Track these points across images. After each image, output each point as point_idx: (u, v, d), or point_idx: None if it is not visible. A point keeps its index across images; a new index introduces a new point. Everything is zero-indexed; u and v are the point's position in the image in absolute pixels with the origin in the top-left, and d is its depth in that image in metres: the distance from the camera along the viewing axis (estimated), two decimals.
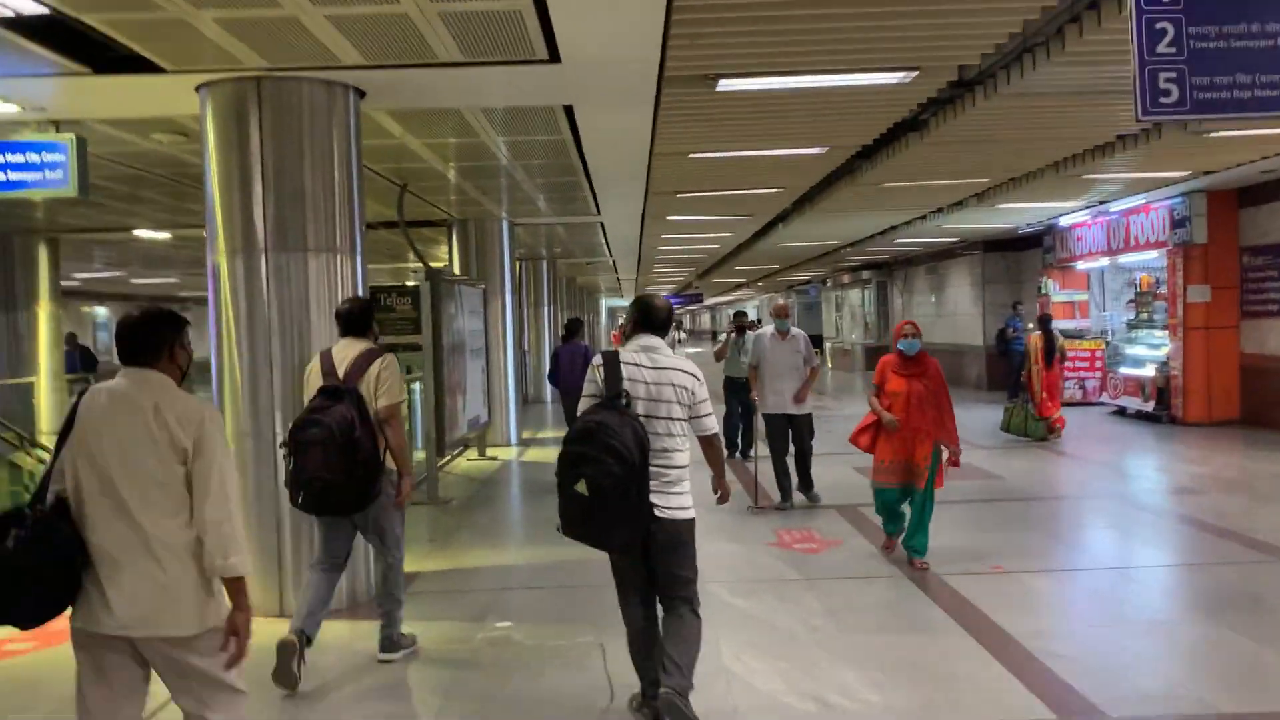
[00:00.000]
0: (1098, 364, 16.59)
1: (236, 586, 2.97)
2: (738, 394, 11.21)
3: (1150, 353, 15.22)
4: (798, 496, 8.85)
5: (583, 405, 4.08)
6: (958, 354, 22.17)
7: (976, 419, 15.32)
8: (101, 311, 30.68)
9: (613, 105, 6.96)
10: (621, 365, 4.05)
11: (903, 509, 6.81)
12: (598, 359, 4.15)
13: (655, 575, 4.10)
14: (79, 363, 17.57)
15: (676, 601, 4.11)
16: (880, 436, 6.75)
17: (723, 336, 11.83)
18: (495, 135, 8.20)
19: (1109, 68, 6.62)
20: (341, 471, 4.56)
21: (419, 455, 5.13)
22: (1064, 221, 16.80)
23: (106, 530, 2.90)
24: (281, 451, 4.80)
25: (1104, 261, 16.57)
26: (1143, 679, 4.74)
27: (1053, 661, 4.89)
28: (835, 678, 4.76)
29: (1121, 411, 15.54)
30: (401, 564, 5.31)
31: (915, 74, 6.57)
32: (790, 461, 8.86)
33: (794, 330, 8.90)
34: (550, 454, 13.17)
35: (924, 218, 16.21)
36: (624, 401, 3.95)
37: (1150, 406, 14.62)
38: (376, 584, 5.33)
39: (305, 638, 4.80)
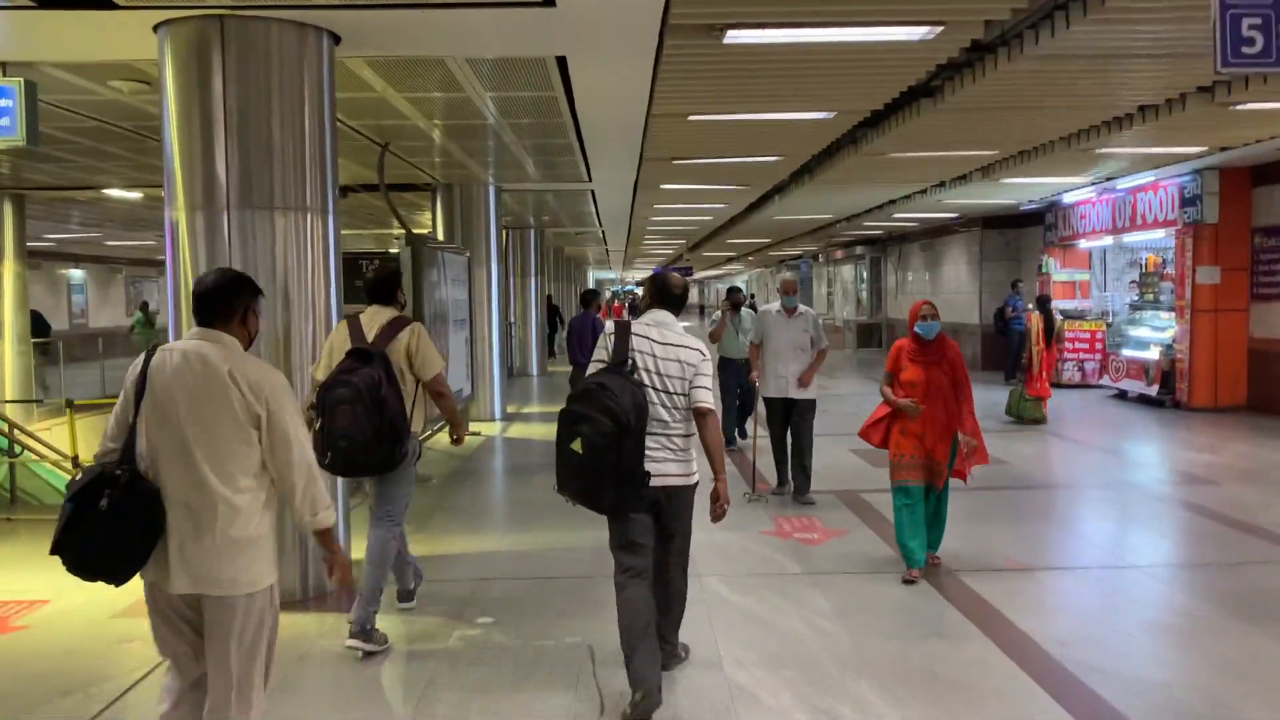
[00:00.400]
0: (1098, 345, 16.19)
1: (326, 534, 3.15)
2: (736, 376, 10.48)
3: (1155, 335, 14.82)
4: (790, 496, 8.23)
5: (591, 369, 4.19)
6: (953, 333, 21.68)
7: (977, 401, 14.91)
8: (76, 274, 29.92)
9: (610, 56, 6.43)
10: (631, 336, 4.16)
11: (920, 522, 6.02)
12: (610, 326, 4.26)
13: (660, 537, 4.24)
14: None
15: (671, 564, 4.33)
16: (896, 429, 5.97)
17: (716, 314, 10.99)
18: (482, 90, 7.65)
19: (1149, 27, 6.14)
20: (370, 431, 4.50)
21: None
22: (1068, 198, 16.35)
23: (177, 489, 2.96)
24: (310, 414, 4.59)
25: (1108, 240, 16.13)
26: (1185, 694, 4.31)
27: (1085, 673, 4.47)
28: (849, 689, 4.32)
29: (1122, 395, 15.17)
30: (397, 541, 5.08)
31: (939, 30, 6.07)
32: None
33: (802, 308, 8.23)
34: (535, 430, 12.71)
35: (924, 191, 15.75)
36: (628, 368, 4.07)
37: (1154, 390, 14.24)
38: (369, 555, 4.92)
39: (410, 593, 5.52)
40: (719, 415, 5.05)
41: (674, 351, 4.14)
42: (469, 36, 5.94)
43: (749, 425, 10.76)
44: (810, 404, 8.12)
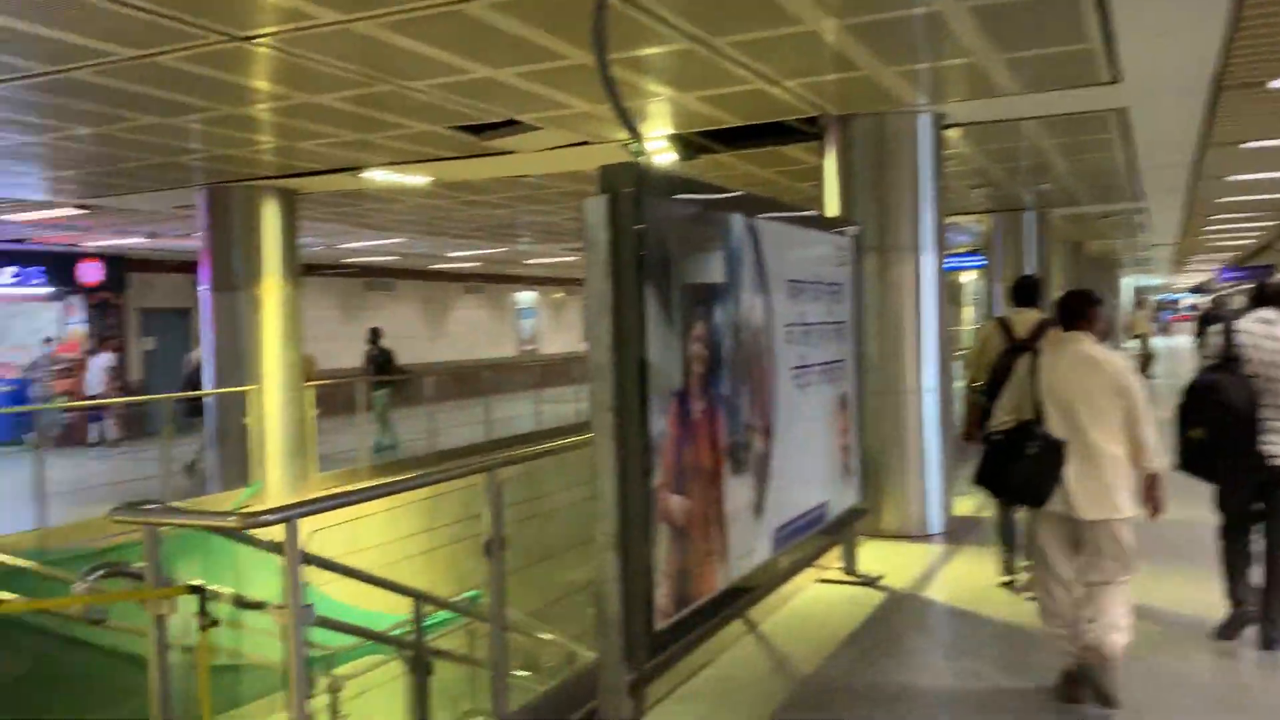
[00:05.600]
0: None
1: (1156, 479, 4.23)
2: None
3: None
4: None
5: (1201, 367, 4.96)
6: None
7: None
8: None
9: None
10: (1240, 333, 4.81)
11: None
12: (1216, 326, 5.02)
13: (1267, 510, 4.85)
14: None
15: (1275, 539, 4.81)
16: None
17: None
18: None
19: None
20: None
21: None
22: None
23: (1072, 443, 4.13)
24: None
25: None
26: None
27: None
28: None
29: None
30: None
31: None
32: None
33: None
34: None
35: None
36: (1236, 364, 4.75)
37: None
38: None
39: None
40: None
41: None
42: None
43: None
44: None
